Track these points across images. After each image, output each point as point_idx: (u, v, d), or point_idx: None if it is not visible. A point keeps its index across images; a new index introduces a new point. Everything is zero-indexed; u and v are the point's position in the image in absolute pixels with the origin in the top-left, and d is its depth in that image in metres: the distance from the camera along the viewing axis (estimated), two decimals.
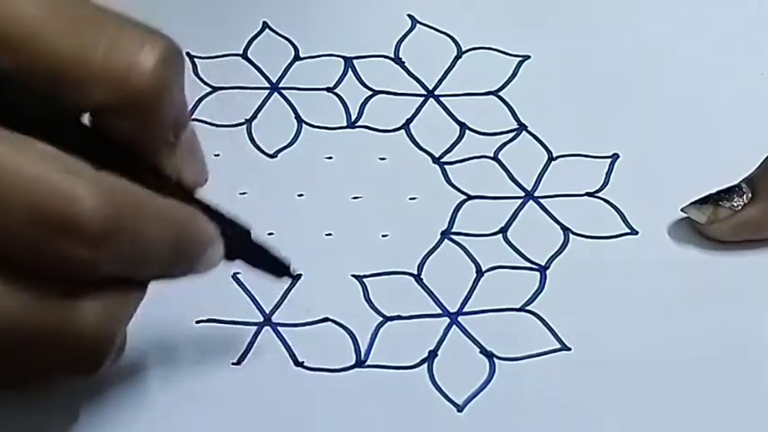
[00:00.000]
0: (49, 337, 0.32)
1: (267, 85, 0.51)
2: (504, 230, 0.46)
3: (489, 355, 0.42)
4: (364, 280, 0.44)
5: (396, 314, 0.44)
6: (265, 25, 0.54)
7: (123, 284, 0.34)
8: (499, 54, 0.53)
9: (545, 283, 0.45)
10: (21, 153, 0.31)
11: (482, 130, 0.50)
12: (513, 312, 0.44)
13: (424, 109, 0.51)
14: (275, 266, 0.41)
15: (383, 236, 0.46)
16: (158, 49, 0.33)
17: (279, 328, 0.43)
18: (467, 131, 0.50)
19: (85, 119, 0.34)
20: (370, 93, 0.51)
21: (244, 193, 0.47)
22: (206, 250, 0.36)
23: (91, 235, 0.31)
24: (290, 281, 0.42)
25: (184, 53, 0.35)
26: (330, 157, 0.49)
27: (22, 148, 0.31)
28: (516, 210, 0.47)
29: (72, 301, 0.32)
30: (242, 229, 0.39)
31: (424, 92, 0.51)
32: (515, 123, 0.50)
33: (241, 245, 0.39)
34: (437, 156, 0.49)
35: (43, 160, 0.31)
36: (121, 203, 0.32)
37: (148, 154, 0.35)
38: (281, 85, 0.52)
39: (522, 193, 0.48)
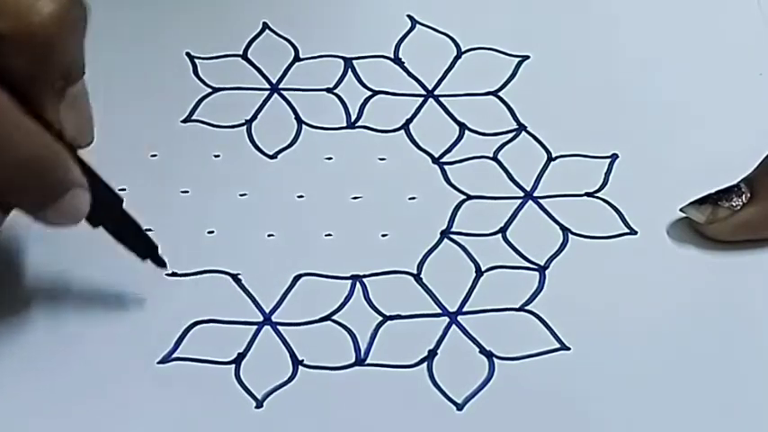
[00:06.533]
0: None
1: (267, 86, 0.51)
2: (503, 230, 0.46)
3: (489, 355, 0.42)
4: (364, 279, 0.45)
5: (395, 313, 0.44)
6: (265, 26, 0.54)
7: None
8: (499, 54, 0.53)
9: (544, 282, 0.45)
10: None
11: (482, 131, 0.50)
12: (513, 312, 0.44)
13: (423, 109, 0.51)
14: (142, 245, 0.41)
15: (383, 236, 0.46)
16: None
17: (279, 328, 0.43)
18: (466, 132, 0.50)
19: None
20: (370, 93, 0.51)
21: (244, 194, 0.47)
22: (67, 191, 0.38)
23: None
24: (158, 266, 0.42)
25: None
26: (330, 158, 0.49)
27: None
28: (515, 210, 0.47)
29: None
30: (115, 197, 0.40)
31: (423, 92, 0.52)
32: (515, 124, 0.50)
33: (111, 213, 0.40)
34: (437, 156, 0.49)
35: None
36: None
37: (35, 96, 0.37)
38: (280, 86, 0.52)
39: (522, 194, 0.48)
